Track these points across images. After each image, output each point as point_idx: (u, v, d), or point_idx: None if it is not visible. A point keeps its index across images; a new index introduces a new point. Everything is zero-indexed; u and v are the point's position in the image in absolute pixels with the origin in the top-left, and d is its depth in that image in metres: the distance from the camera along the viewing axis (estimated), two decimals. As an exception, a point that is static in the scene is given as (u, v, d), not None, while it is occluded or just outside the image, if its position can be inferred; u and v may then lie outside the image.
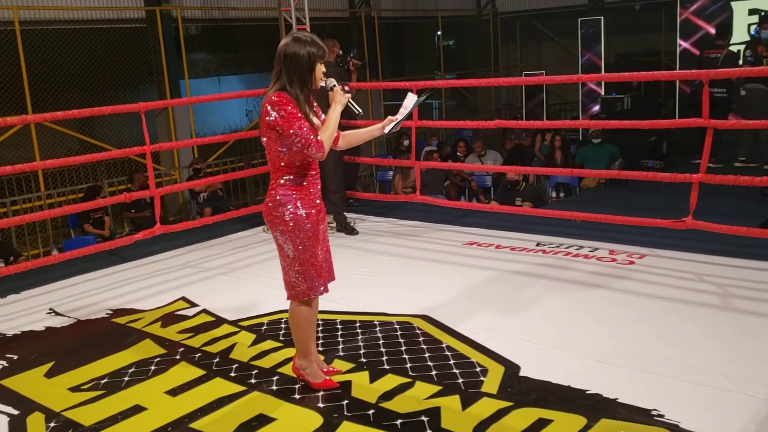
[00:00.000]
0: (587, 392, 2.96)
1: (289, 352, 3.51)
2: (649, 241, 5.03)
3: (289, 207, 2.92)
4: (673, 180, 5.26)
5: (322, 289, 3.04)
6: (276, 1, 10.37)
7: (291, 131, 2.81)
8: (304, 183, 2.96)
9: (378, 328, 3.81)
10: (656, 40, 14.51)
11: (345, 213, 6.07)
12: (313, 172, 3.01)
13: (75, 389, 3.33)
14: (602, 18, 14.73)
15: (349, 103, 3.06)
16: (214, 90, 15.64)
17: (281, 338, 3.75)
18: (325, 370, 3.24)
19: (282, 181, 2.94)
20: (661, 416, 2.74)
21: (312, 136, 2.83)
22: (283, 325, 3.91)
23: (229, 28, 15.15)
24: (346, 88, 3.06)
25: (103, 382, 3.39)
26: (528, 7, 17.60)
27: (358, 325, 3.89)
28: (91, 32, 10.45)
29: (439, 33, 19.03)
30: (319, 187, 3.05)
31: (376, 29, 15.61)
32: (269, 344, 3.69)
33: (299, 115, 2.82)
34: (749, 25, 10.53)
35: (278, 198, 2.94)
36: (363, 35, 14.96)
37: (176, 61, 11.32)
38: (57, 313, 4.45)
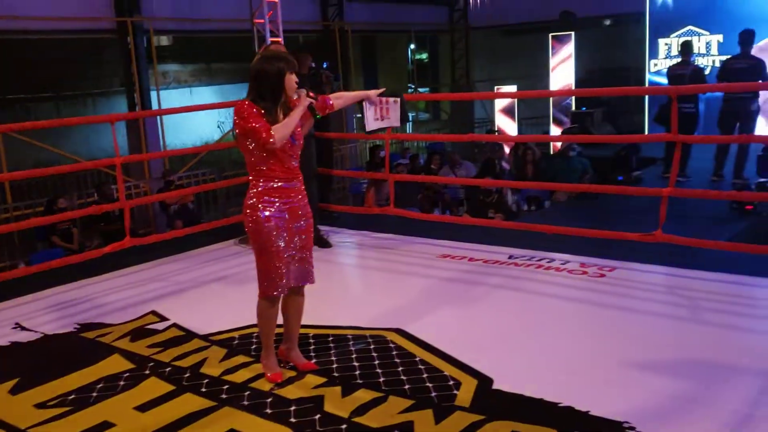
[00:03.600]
0: (559, 405, 2.97)
1: (259, 367, 3.47)
2: (619, 254, 5.08)
3: (252, 210, 3.17)
4: (642, 194, 5.34)
5: (275, 293, 3.23)
6: (249, 13, 10.35)
7: (248, 127, 3.07)
8: (270, 190, 3.17)
9: (351, 342, 3.79)
10: (626, 56, 14.74)
11: (319, 226, 6.03)
12: (279, 183, 3.18)
13: (41, 406, 3.25)
14: (573, 33, 14.98)
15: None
16: (186, 101, 15.55)
17: (253, 353, 3.71)
18: (302, 363, 3.46)
19: (252, 188, 3.20)
20: (632, 428, 2.75)
21: (265, 130, 3.06)
22: (254, 340, 3.87)
23: (202, 39, 15.08)
24: (311, 93, 3.32)
25: (70, 398, 3.31)
26: (500, 22, 17.79)
27: (330, 338, 3.86)
28: (61, 43, 10.33)
29: (412, 46, 19.15)
30: (291, 195, 3.23)
31: (349, 42, 15.66)
32: (240, 359, 3.65)
33: (260, 113, 3.08)
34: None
35: (247, 202, 3.21)
36: (336, 48, 14.99)
37: (147, 71, 11.22)
38: (23, 328, 4.35)
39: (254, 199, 3.18)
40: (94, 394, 3.33)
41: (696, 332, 3.73)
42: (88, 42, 11.66)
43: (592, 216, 6.79)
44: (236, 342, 3.89)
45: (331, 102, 3.44)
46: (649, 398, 3.01)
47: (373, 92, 3.73)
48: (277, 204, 3.17)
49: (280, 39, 9.37)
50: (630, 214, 6.51)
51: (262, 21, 9.73)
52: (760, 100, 8.25)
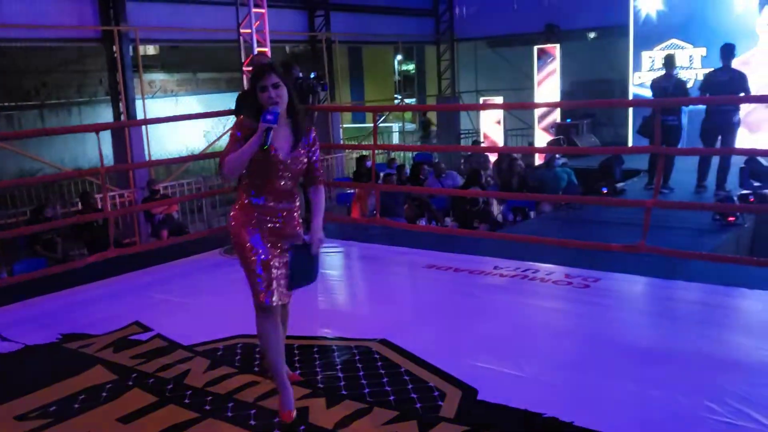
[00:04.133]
0: (543, 416, 2.98)
1: (245, 378, 3.45)
2: (603, 264, 5.11)
3: (233, 223, 3.09)
4: (626, 205, 5.39)
5: (261, 304, 2.99)
6: (235, 23, 10.36)
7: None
8: (252, 206, 3.03)
9: (336, 353, 3.79)
10: (610, 68, 14.90)
11: (305, 236, 6.03)
12: (266, 201, 3.01)
13: (21, 418, 3.21)
14: (558, 46, 15.12)
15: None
16: (172, 110, 15.50)
17: (237, 363, 3.69)
18: (289, 373, 3.33)
19: (237, 199, 3.13)
20: (616, 439, 2.77)
21: (225, 156, 2.95)
22: (238, 350, 3.85)
23: (188, 48, 15.05)
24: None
25: (51, 409, 3.28)
26: (485, 34, 17.91)
27: (315, 349, 3.85)
28: (46, 51, 10.28)
29: (399, 57, 19.23)
30: (276, 217, 3.03)
31: (335, 53, 15.70)
32: (224, 370, 3.63)
33: (238, 136, 2.95)
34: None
35: (230, 213, 3.17)
36: (323, 58, 15.02)
37: (133, 80, 11.19)
38: (4, 338, 4.30)
39: (235, 212, 3.08)
40: (77, 406, 3.30)
41: (680, 343, 3.75)
42: (73, 51, 11.62)
43: (576, 227, 6.83)
44: (220, 353, 3.87)
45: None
46: (633, 408, 3.03)
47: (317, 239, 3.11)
48: (256, 221, 3.01)
49: (266, 49, 9.38)
50: (614, 225, 6.56)
51: (248, 31, 9.73)
52: (741, 113, 8.36)
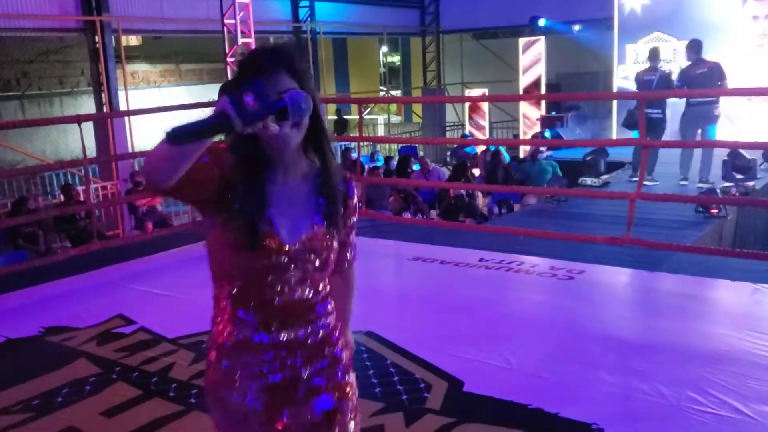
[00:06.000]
0: (529, 407, 2.99)
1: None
2: (588, 256, 5.14)
3: (206, 379, 1.68)
4: (610, 197, 5.41)
5: None
6: (219, 14, 10.27)
7: None
8: (233, 342, 1.61)
9: (322, 345, 3.77)
10: (595, 61, 14.96)
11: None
12: (248, 328, 1.59)
13: (3, 411, 3.18)
14: (542, 38, 15.14)
15: None
16: (155, 101, 15.37)
17: (222, 356, 3.67)
18: None
19: (214, 326, 1.69)
20: (601, 430, 2.78)
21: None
22: (224, 343, 3.83)
23: (171, 39, 14.93)
24: None
25: (34, 403, 3.25)
26: (471, 26, 17.91)
27: (301, 341, 3.84)
28: (27, 41, 10.14)
29: (384, 49, 19.18)
30: (269, 346, 1.58)
31: (320, 43, 15.63)
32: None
33: (205, 162, 1.52)
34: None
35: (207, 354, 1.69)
36: (308, 49, 14.95)
37: (115, 71, 11.07)
38: (-15, 332, 4.25)
39: (212, 359, 1.67)
40: (59, 399, 3.27)
41: (663, 335, 3.78)
42: (54, 41, 11.47)
43: (561, 219, 6.86)
44: (205, 345, 3.84)
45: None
46: (617, 400, 3.05)
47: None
48: (246, 377, 1.60)
49: (251, 40, 9.32)
50: (599, 218, 6.59)
51: (232, 21, 9.66)
52: (722, 105, 8.45)
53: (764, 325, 3.79)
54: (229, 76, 9.02)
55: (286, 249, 1.55)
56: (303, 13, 14.97)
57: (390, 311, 4.28)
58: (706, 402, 2.96)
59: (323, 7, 15.35)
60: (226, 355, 1.62)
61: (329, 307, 1.69)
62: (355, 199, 1.71)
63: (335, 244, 1.64)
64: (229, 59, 10.18)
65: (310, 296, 1.61)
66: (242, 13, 9.61)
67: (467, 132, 16.39)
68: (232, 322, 1.61)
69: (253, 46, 9.84)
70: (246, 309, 1.59)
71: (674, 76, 8.57)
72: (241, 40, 9.48)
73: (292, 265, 1.56)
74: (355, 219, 1.76)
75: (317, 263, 1.60)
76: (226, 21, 10.32)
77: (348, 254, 1.81)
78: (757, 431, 2.74)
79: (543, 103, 15.18)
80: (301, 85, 1.50)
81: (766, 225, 8.32)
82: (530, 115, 15.33)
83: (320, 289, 1.65)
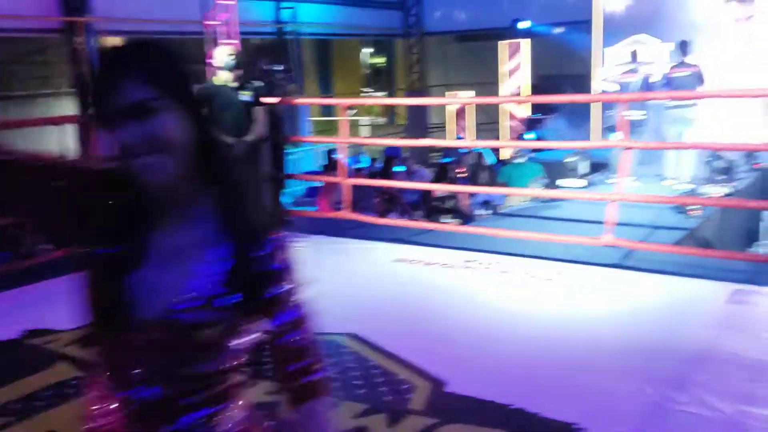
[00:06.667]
0: (511, 407, 3.01)
1: (214, 372, 3.43)
2: (570, 256, 5.18)
3: None
4: (592, 199, 5.45)
5: None
6: (201, 15, 10.22)
7: None
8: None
9: (305, 347, 3.77)
10: (577, 63, 15.05)
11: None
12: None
13: (-16, 416, 3.15)
14: (525, 41, 15.21)
15: None
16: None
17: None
18: None
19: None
20: (583, 430, 2.81)
21: None
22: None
23: (154, 41, 14.75)
24: None
25: (15, 407, 3.22)
26: (454, 28, 17.96)
27: (285, 343, 3.83)
28: (7, 42, 10.04)
29: (369, 51, 19.18)
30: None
31: (303, 45, 15.60)
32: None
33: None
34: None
35: None
36: (290, 51, 14.92)
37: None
38: (-35, 336, 4.21)
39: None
40: (41, 403, 3.24)
41: (644, 334, 3.82)
42: (36, 41, 11.36)
43: (544, 220, 6.90)
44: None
45: None
46: (599, 399, 3.08)
47: None
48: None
49: (235, 41, 9.29)
50: (580, 218, 6.63)
51: (215, 23, 9.62)
52: (702, 107, 8.60)
53: (744, 324, 3.84)
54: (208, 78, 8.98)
55: (148, 327, 1.12)
56: (286, 14, 14.92)
57: (374, 313, 4.28)
58: (688, 401, 2.99)
59: (306, 8, 15.31)
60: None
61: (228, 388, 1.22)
62: (286, 261, 1.28)
63: (236, 320, 1.16)
64: (208, 61, 10.14)
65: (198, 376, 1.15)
66: (226, 14, 9.59)
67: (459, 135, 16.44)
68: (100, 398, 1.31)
69: (240, 48, 9.82)
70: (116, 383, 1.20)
71: (654, 78, 8.69)
72: (223, 42, 9.45)
73: (157, 351, 1.11)
74: (286, 291, 1.29)
75: (200, 351, 1.12)
76: (208, 22, 10.29)
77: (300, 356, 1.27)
78: (738, 430, 2.78)
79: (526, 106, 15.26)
80: (162, 93, 1.08)
81: (746, 225, 8.42)
82: (515, 118, 15.41)
83: (214, 372, 1.16)
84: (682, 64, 8.26)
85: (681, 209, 6.75)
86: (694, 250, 5.36)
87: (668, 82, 8.32)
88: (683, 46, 8.35)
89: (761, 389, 3.03)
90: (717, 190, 7.71)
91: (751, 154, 9.25)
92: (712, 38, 11.33)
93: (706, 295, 4.40)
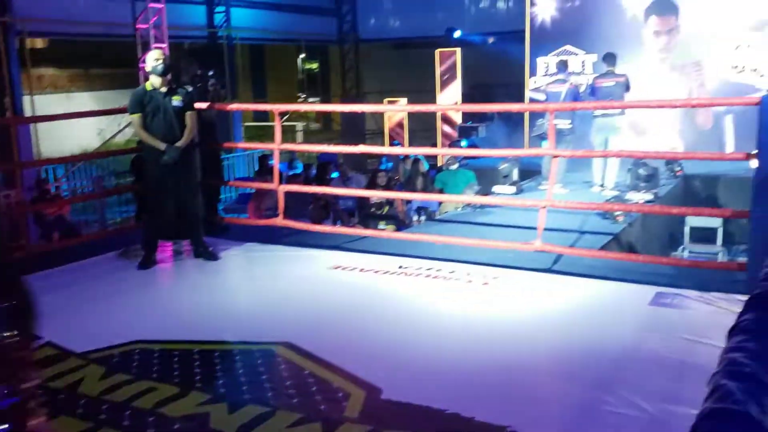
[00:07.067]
0: (446, 412, 3.04)
1: (141, 385, 3.34)
2: (502, 262, 5.27)
3: None
4: (523, 205, 5.57)
5: None
6: (131, 18, 9.98)
7: None
8: None
9: (238, 357, 3.72)
10: (508, 73, 15.37)
11: (205, 238, 5.87)
12: None
13: None
14: (458, 50, 15.46)
15: None
16: (63, 107, 14.77)
17: (133, 370, 3.56)
18: None
19: None
20: (515, 432, 2.86)
21: None
22: (135, 357, 3.71)
23: (80, 43, 14.38)
24: None
25: (-73, 427, 3.05)
26: (389, 36, 18.09)
27: (216, 354, 3.77)
28: None
29: (302, 56, 19.10)
30: None
31: (236, 50, 15.42)
32: (120, 377, 3.49)
33: None
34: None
35: None
36: (223, 56, 14.72)
37: (19, 75, 10.56)
38: None
39: None
40: (-44, 422, 3.08)
41: (574, 336, 3.91)
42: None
43: (478, 226, 7.00)
44: (116, 360, 3.72)
45: None
46: (530, 402, 3.14)
47: None
48: None
49: (164, 45, 9.10)
50: (512, 224, 6.77)
51: (145, 26, 9.41)
52: (627, 115, 8.95)
53: (667, 326, 3.98)
54: (141, 82, 8.77)
55: None
56: (218, 18, 14.72)
57: (308, 321, 4.25)
58: (614, 401, 3.07)
59: (239, 13, 15.14)
60: None
61: None
62: None
63: None
64: (141, 65, 9.91)
65: None
66: (156, 17, 9.38)
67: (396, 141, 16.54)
68: None
69: (167, 52, 9.61)
70: None
71: (582, 89, 8.98)
72: (153, 46, 9.24)
73: None
74: None
75: None
76: (139, 26, 10.05)
77: None
78: (662, 429, 2.87)
79: (460, 113, 15.49)
80: None
81: (669, 230, 8.77)
82: (450, 126, 15.62)
83: None
84: (608, 74, 8.59)
85: (608, 215, 6.97)
86: (619, 254, 5.53)
87: (593, 92, 8.63)
88: (608, 58, 8.69)
89: (684, 389, 3.14)
90: (641, 197, 8.00)
91: (672, 161, 9.64)
92: (633, 50, 11.79)
93: (630, 298, 4.55)
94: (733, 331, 0.90)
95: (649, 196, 8.07)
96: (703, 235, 8.39)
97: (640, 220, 7.44)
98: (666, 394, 3.12)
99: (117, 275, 5.35)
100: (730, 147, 11.38)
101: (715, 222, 8.20)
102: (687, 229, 8.39)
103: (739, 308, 1.04)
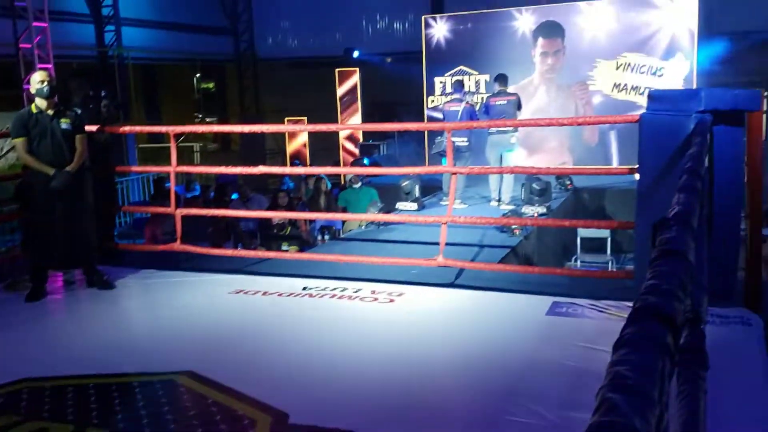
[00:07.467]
0: (353, 433, 3.02)
1: (32, 425, 3.14)
2: (407, 279, 5.33)
3: None
4: (425, 222, 5.66)
5: None
6: (13, 36, 9.48)
7: None
8: None
9: (137, 389, 3.56)
10: (407, 92, 15.67)
11: (100, 267, 5.62)
12: None
13: None
14: (357, 69, 15.64)
15: None
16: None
17: (22, 410, 3.34)
18: None
19: None
20: (423, 448, 2.88)
21: None
22: (24, 396, 3.49)
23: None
24: None
25: None
26: (287, 55, 18.06)
27: (114, 388, 3.60)
28: None
29: (198, 76, 18.76)
30: None
31: (129, 69, 14.95)
32: (8, 419, 3.27)
33: None
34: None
35: None
36: (114, 76, 14.23)
37: None
38: None
39: None
40: None
41: (475, 349, 3.99)
42: None
43: (381, 244, 7.06)
44: (2, 400, 3.48)
45: None
46: (436, 416, 3.17)
47: None
48: None
49: (50, 65, 8.69)
50: (415, 240, 6.87)
51: (28, 45, 8.96)
52: (519, 134, 9.36)
53: (563, 334, 4.14)
54: (26, 104, 8.36)
55: None
56: (109, 37, 14.22)
57: (210, 348, 4.14)
58: (517, 411, 3.15)
59: (131, 32, 14.68)
60: None
61: None
62: None
63: None
64: (26, 86, 9.43)
65: None
66: (39, 37, 8.95)
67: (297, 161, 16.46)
68: None
69: (53, 73, 9.18)
70: None
71: (477, 107, 9.31)
72: (38, 66, 8.81)
73: None
74: None
75: None
76: (22, 45, 9.56)
77: None
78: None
79: (361, 132, 15.64)
80: None
81: (562, 242, 9.16)
82: (352, 144, 15.73)
83: None
84: (501, 93, 8.96)
85: (505, 228, 7.19)
86: (516, 267, 5.71)
87: (487, 110, 8.98)
88: (500, 78, 9.08)
89: (582, 395, 3.26)
90: (535, 210, 8.32)
91: (563, 176, 10.10)
92: (524, 70, 12.33)
93: (529, 308, 4.70)
94: (617, 344, 0.95)
95: (542, 210, 8.40)
96: (594, 246, 8.82)
97: (536, 232, 7.72)
98: (565, 400, 3.23)
99: (3, 309, 5.02)
100: (615, 161, 12.07)
101: (604, 233, 8.65)
102: (579, 240, 8.79)
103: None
